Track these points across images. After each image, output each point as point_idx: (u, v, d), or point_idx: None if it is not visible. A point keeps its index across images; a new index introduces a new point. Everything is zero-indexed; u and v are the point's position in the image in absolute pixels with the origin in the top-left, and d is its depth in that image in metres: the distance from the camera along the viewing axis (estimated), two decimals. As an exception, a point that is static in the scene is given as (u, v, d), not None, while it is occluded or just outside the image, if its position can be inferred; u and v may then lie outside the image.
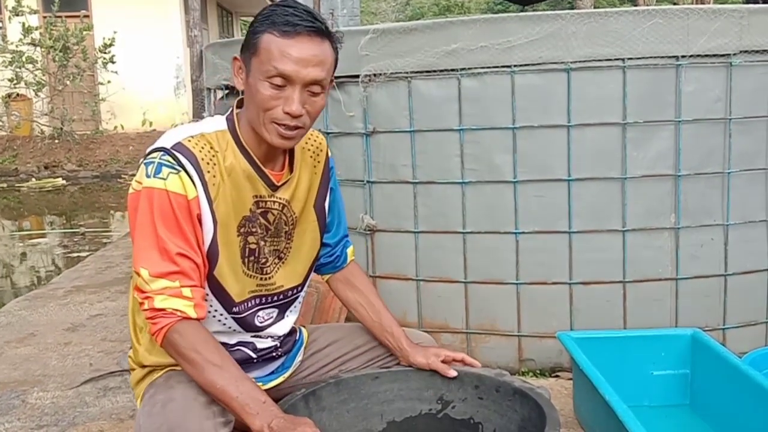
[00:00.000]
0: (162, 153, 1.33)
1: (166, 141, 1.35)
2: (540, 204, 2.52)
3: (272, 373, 1.55)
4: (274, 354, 1.53)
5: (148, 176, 1.31)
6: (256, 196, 1.41)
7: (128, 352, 1.53)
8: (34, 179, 11.28)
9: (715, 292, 2.55)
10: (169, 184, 1.30)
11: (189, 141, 1.34)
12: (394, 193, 2.66)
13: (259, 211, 1.42)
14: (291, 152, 1.47)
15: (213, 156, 1.35)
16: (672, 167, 2.47)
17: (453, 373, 1.52)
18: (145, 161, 1.34)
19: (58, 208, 9.12)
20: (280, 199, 1.44)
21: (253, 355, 1.49)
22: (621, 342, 2.31)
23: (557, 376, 2.57)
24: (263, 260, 1.44)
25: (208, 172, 1.34)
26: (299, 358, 1.60)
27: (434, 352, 1.56)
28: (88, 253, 5.83)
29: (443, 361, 1.55)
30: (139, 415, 1.32)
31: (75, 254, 6.02)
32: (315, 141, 1.56)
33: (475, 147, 2.53)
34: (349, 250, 1.69)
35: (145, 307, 1.30)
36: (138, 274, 1.30)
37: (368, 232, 2.71)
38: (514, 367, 2.59)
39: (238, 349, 1.47)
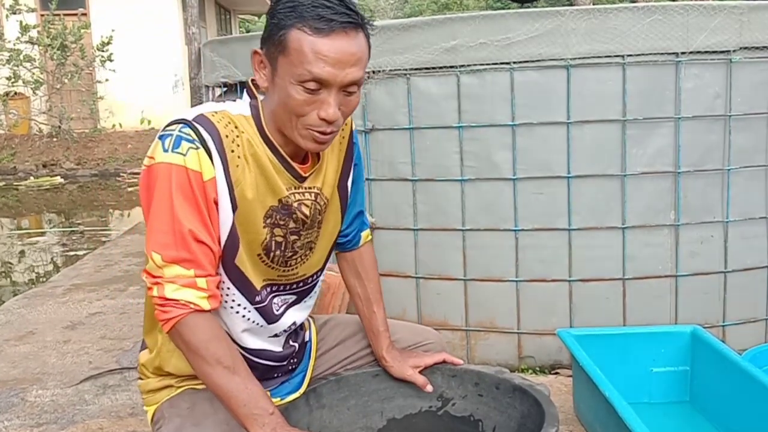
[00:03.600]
0: (182, 125, 1.19)
1: (187, 113, 1.22)
2: (539, 201, 2.51)
3: (286, 382, 1.48)
4: (292, 366, 1.47)
5: (165, 150, 1.17)
6: (287, 188, 1.28)
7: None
8: (32, 177, 11.26)
9: (715, 289, 2.55)
10: (189, 161, 1.17)
11: (213, 115, 1.21)
12: (393, 190, 2.65)
13: (292, 202, 1.30)
14: None
15: (237, 136, 1.22)
16: (672, 164, 2.47)
17: (429, 389, 1.49)
18: (161, 134, 1.20)
19: (56, 207, 9.10)
20: (311, 188, 1.32)
21: (274, 364, 1.42)
22: (621, 339, 2.32)
23: (557, 374, 2.57)
24: (290, 254, 1.33)
25: (232, 151, 1.20)
26: (310, 363, 1.53)
27: (412, 363, 1.49)
28: (86, 252, 5.83)
29: (425, 367, 1.50)
30: None
31: (73, 252, 6.01)
32: None
33: (475, 144, 2.53)
34: (364, 234, 1.57)
35: (154, 293, 1.18)
36: (150, 257, 1.18)
37: (367, 230, 2.70)
38: (513, 364, 2.59)
39: (259, 362, 1.39)
